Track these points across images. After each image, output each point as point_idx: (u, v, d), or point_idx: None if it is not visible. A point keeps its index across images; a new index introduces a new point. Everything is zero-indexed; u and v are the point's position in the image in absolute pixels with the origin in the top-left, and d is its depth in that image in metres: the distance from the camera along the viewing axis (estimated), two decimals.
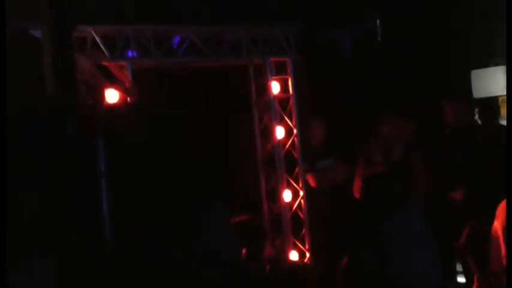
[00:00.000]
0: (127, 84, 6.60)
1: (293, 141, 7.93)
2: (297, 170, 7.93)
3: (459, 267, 7.64)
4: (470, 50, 8.52)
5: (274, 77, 7.82)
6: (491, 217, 5.64)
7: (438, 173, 7.23)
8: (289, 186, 7.93)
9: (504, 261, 5.41)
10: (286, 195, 7.89)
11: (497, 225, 5.56)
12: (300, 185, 7.93)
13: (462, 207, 7.19)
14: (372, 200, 4.93)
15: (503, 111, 7.94)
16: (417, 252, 4.63)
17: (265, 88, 7.85)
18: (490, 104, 7.80)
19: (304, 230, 7.92)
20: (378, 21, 8.51)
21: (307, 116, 8.03)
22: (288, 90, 7.91)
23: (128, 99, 6.58)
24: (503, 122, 7.55)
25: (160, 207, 6.33)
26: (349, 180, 7.52)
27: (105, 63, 6.59)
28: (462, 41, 8.49)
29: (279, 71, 7.87)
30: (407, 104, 7.96)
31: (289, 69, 7.87)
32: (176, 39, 7.18)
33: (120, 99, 6.53)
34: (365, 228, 4.75)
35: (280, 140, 7.88)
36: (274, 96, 7.85)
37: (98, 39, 6.65)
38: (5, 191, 4.96)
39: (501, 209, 5.56)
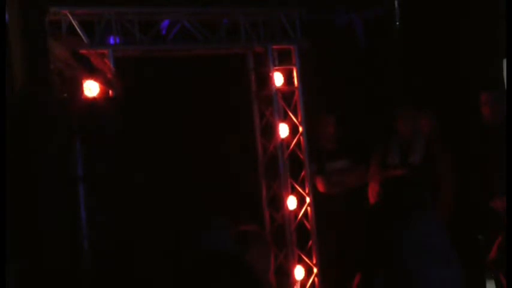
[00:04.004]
0: (109, 75, 6.48)
1: (298, 141, 7.78)
2: (303, 173, 7.79)
3: (492, 285, 7.56)
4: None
5: (277, 67, 7.69)
6: None
7: (468, 177, 7.12)
8: (294, 191, 7.77)
9: None
10: (291, 202, 7.74)
11: None
12: (307, 191, 7.77)
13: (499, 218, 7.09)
14: (389, 208, 4.87)
15: None
16: (439, 272, 4.55)
17: (267, 80, 7.72)
18: None
19: (311, 242, 7.80)
20: (396, 1, 8.41)
21: (316, 111, 7.91)
22: (293, 82, 7.77)
23: (110, 92, 6.47)
24: None
25: (147, 216, 6.21)
26: (364, 185, 7.42)
27: (83, 51, 6.48)
28: (493, 25, 8.37)
29: (283, 60, 7.74)
30: (431, 98, 7.83)
31: (295, 58, 7.72)
32: (165, 23, 7.09)
33: (101, 92, 6.42)
34: (380, 241, 4.69)
35: (283, 139, 7.75)
36: (277, 89, 7.72)
37: (74, 23, 6.55)
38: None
39: None
